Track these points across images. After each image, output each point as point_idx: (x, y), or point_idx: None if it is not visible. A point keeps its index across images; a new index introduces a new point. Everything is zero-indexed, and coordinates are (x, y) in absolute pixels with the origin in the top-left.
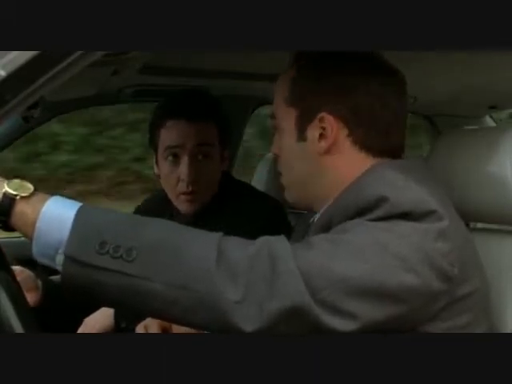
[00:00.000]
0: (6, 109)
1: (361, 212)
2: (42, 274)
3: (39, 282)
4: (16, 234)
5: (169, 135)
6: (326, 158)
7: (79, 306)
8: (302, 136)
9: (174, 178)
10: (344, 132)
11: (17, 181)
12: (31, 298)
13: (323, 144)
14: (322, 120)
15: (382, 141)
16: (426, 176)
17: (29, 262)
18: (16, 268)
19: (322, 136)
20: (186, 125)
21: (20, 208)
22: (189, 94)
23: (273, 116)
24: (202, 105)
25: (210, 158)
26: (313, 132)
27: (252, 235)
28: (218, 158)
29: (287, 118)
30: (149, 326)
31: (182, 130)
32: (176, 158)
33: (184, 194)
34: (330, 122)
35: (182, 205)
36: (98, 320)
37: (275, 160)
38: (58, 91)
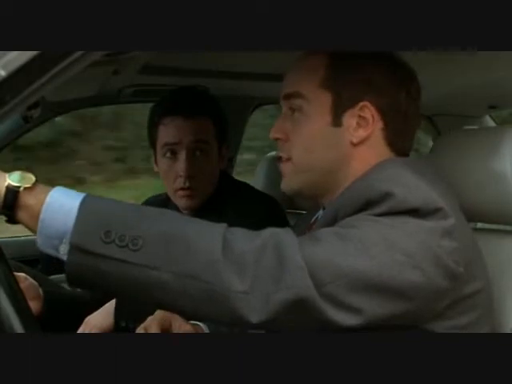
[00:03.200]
0: (6, 109)
1: (367, 206)
2: (42, 274)
3: (41, 291)
4: (16, 233)
5: (166, 132)
6: (356, 148)
7: (80, 314)
8: (336, 121)
9: (172, 174)
10: (379, 125)
11: (18, 172)
12: (33, 306)
13: (361, 133)
14: (363, 109)
15: (403, 140)
16: (434, 175)
17: (29, 262)
18: (20, 275)
19: (358, 125)
20: (182, 121)
21: (24, 200)
22: (185, 91)
23: (290, 96)
24: (197, 101)
25: (207, 154)
26: (350, 119)
27: None
28: (215, 155)
29: (320, 101)
30: (149, 327)
31: (179, 127)
32: (174, 154)
33: (182, 189)
34: (372, 112)
35: (180, 201)
36: (98, 319)
37: (274, 158)
38: (58, 91)
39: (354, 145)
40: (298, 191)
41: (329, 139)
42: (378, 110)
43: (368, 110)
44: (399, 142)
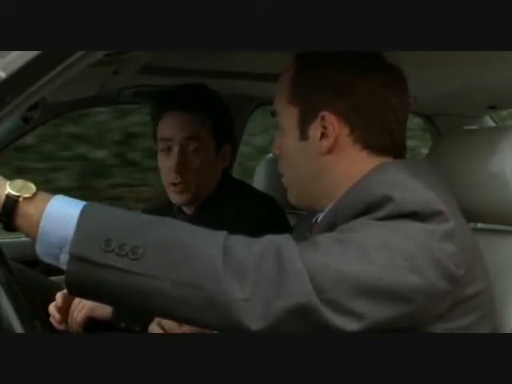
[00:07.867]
0: (6, 110)
1: (366, 210)
2: (42, 274)
3: None
4: (16, 234)
5: (163, 127)
6: (327, 158)
7: None
8: (303, 135)
9: (166, 168)
10: (345, 131)
11: (19, 181)
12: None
13: (325, 143)
14: (323, 119)
15: (385, 140)
16: (433, 177)
17: (28, 263)
18: None
19: (323, 135)
20: (177, 117)
21: (23, 209)
22: (185, 87)
23: (274, 113)
24: (195, 98)
25: (200, 151)
26: (314, 131)
27: (251, 235)
28: (210, 153)
29: (288, 116)
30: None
31: (174, 122)
32: (169, 149)
33: (173, 184)
34: (331, 121)
35: (172, 195)
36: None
37: (276, 160)
38: (58, 92)
39: (324, 155)
40: (298, 203)
41: (301, 153)
42: (340, 117)
43: (328, 120)
44: (380, 142)
